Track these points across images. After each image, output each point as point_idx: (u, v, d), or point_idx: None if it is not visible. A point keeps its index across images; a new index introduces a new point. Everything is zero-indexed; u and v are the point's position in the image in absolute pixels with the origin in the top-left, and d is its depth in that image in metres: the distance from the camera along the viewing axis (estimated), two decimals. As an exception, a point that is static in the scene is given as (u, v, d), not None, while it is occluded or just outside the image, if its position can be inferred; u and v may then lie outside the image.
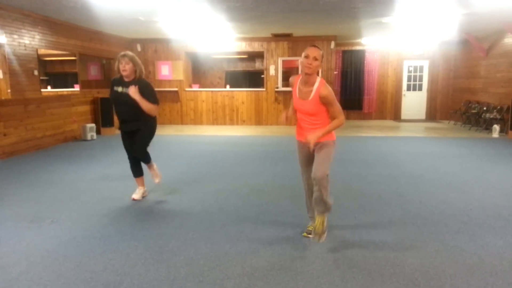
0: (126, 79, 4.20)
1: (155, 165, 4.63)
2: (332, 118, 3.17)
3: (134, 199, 4.50)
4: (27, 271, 2.86)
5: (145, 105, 4.11)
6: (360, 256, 3.09)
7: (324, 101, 3.09)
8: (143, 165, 4.55)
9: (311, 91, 3.12)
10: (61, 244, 3.33)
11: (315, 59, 3.03)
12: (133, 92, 4.05)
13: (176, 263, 2.98)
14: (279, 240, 3.38)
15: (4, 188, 5.07)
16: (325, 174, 3.13)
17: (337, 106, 3.14)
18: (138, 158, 4.45)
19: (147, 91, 4.17)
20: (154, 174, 4.64)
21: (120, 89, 4.18)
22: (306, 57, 3.04)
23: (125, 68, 4.11)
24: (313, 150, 3.23)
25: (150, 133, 4.40)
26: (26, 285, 2.66)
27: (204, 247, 3.27)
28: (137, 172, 4.55)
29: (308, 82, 3.14)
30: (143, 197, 4.59)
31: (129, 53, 4.19)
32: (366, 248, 3.23)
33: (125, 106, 4.18)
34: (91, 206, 4.32)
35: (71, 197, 4.68)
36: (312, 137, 3.07)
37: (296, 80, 3.27)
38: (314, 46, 3.10)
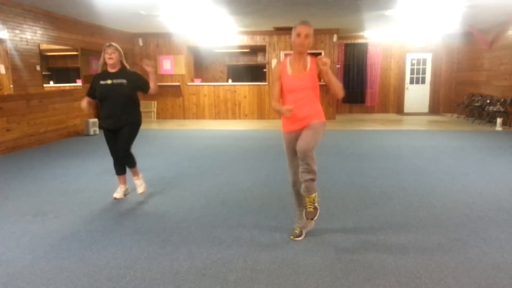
0: (112, 70, 4.07)
1: (141, 174, 4.49)
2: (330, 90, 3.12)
3: (115, 198, 4.35)
4: (30, 265, 2.88)
5: (155, 80, 4.19)
6: (361, 249, 3.09)
7: (324, 68, 2.92)
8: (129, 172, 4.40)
9: (306, 66, 3.04)
10: (64, 238, 3.35)
11: (307, 36, 2.92)
12: (147, 64, 4.10)
13: (179, 256, 3.00)
14: (281, 234, 3.38)
15: (7, 183, 5.10)
16: (311, 146, 2.92)
17: (334, 75, 3.07)
18: (121, 159, 4.28)
19: (139, 77, 4.21)
20: (138, 183, 4.42)
21: (109, 81, 4.04)
22: (298, 35, 2.92)
23: (111, 56, 3.99)
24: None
25: (135, 130, 4.29)
26: (29, 279, 2.68)
27: (207, 240, 3.28)
28: (121, 170, 4.38)
29: (300, 60, 3.04)
30: (125, 195, 4.45)
31: (114, 43, 4.11)
32: (368, 242, 3.23)
33: (118, 99, 4.05)
34: (94, 200, 4.34)
35: (74, 191, 4.70)
36: (326, 60, 2.91)
37: (283, 64, 3.10)
38: (304, 22, 2.95)
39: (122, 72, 4.11)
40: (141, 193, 4.41)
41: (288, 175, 3.31)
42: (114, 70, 4.09)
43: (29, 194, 4.64)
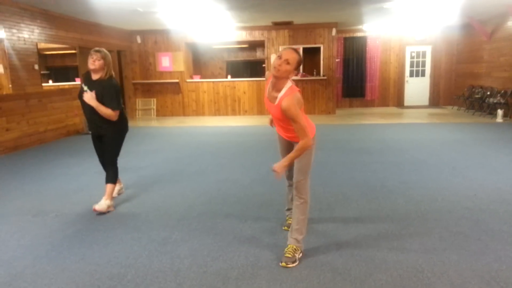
0: (93, 77, 3.86)
1: (117, 186, 4.29)
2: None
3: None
4: (32, 265, 2.87)
5: (102, 110, 3.76)
6: (363, 243, 3.09)
7: (285, 114, 2.62)
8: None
9: (277, 97, 2.71)
10: (66, 238, 3.34)
11: (287, 62, 2.59)
12: (88, 98, 3.74)
13: (180, 254, 2.99)
14: (282, 230, 3.38)
15: (7, 183, 5.09)
16: (300, 179, 2.83)
17: (301, 123, 2.58)
18: (108, 167, 4.06)
19: (109, 94, 3.80)
20: (108, 192, 3.98)
21: (86, 87, 3.83)
22: (279, 57, 2.62)
23: (94, 63, 3.76)
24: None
25: (117, 138, 4.03)
26: (31, 279, 2.68)
27: (207, 237, 3.28)
28: None
29: (275, 86, 2.72)
30: (119, 194, 4.40)
31: (104, 50, 3.87)
32: (369, 236, 3.23)
33: (91, 109, 3.84)
34: (95, 199, 4.32)
35: (75, 190, 4.70)
36: (277, 167, 2.63)
37: (269, 77, 2.83)
38: (292, 49, 2.67)
39: (100, 81, 3.85)
40: (94, 209, 3.88)
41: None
42: (95, 77, 3.85)
43: (30, 193, 4.63)
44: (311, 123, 2.93)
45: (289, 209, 3.39)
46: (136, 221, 3.68)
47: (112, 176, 4.04)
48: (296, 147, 2.66)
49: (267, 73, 3.00)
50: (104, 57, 3.83)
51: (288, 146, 3.04)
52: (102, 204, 3.91)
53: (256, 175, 5.16)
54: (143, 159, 6.22)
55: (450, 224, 3.43)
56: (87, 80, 3.91)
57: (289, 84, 2.71)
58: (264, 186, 4.69)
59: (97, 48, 3.88)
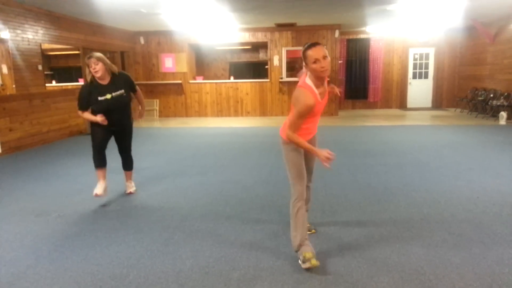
0: (104, 82, 3.89)
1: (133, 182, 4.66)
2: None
3: (97, 195, 4.05)
4: (34, 265, 2.89)
5: (143, 99, 4.41)
6: (365, 245, 3.08)
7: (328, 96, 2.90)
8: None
9: (325, 89, 2.77)
10: (68, 238, 3.35)
11: (325, 57, 2.55)
12: (140, 118, 4.45)
13: (182, 255, 3.00)
14: (284, 231, 3.37)
15: (10, 183, 5.11)
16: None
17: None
18: (128, 156, 4.44)
19: (130, 81, 4.15)
20: (130, 185, 4.59)
21: (108, 96, 3.89)
22: (317, 60, 2.53)
23: (96, 70, 3.79)
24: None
25: (132, 131, 4.40)
26: (33, 279, 2.69)
27: (209, 238, 3.28)
28: (102, 162, 4.14)
29: (323, 83, 2.74)
30: (104, 192, 4.17)
31: (95, 53, 3.86)
32: (371, 238, 3.22)
33: (121, 109, 4.01)
34: (97, 199, 4.34)
35: (77, 191, 4.71)
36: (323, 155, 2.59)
37: (311, 91, 2.64)
38: (316, 43, 2.59)
39: (115, 81, 3.96)
40: (129, 193, 4.52)
41: (295, 189, 2.84)
42: (106, 81, 3.91)
43: (32, 193, 4.65)
44: None
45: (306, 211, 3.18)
46: (139, 222, 3.68)
47: (132, 163, 4.52)
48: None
49: (311, 100, 2.61)
50: (99, 59, 3.84)
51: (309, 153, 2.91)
52: (132, 185, 4.56)
53: (259, 177, 5.16)
54: (146, 160, 6.23)
55: (452, 226, 3.42)
56: (101, 89, 3.89)
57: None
58: (267, 187, 4.69)
59: (88, 55, 3.87)
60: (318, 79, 2.65)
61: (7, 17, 7.04)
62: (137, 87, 4.26)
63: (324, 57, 2.55)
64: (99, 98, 3.89)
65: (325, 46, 2.61)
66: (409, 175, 5.09)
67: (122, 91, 3.98)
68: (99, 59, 3.82)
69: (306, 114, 2.63)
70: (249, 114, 12.22)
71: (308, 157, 2.95)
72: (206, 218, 3.74)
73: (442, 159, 5.93)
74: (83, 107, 3.98)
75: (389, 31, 12.66)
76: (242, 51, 13.62)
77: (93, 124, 4.05)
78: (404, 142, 7.33)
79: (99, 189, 4.09)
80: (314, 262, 2.66)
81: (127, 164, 4.48)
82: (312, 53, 2.55)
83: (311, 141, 2.88)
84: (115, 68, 4.04)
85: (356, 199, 4.19)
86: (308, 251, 2.72)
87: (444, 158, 5.96)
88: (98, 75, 3.83)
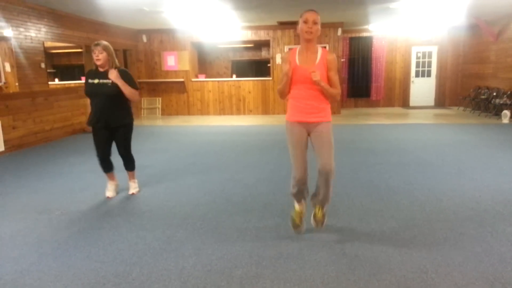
0: (101, 69, 4.00)
1: (136, 180, 4.58)
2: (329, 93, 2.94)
3: (109, 198, 4.31)
4: (38, 262, 2.90)
5: (128, 89, 3.95)
6: (367, 244, 3.08)
7: (330, 66, 2.91)
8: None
9: (316, 57, 2.93)
10: (71, 235, 3.37)
11: (315, 23, 2.84)
12: (114, 76, 3.88)
13: (184, 252, 3.01)
14: (286, 229, 3.38)
15: (13, 181, 5.13)
16: (333, 165, 2.96)
17: (337, 76, 2.98)
18: (127, 157, 4.33)
19: (127, 77, 4.02)
20: (133, 185, 4.52)
21: (96, 80, 3.97)
22: (305, 22, 2.84)
23: (98, 57, 3.91)
24: (309, 133, 3.03)
25: (130, 131, 4.25)
26: (37, 276, 2.70)
27: (212, 236, 3.29)
28: (108, 167, 4.32)
29: (309, 49, 2.94)
30: (116, 192, 4.45)
31: (103, 42, 3.99)
32: (374, 236, 3.22)
33: (104, 99, 3.97)
34: (100, 197, 4.36)
35: (80, 188, 4.73)
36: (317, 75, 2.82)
37: (292, 53, 3.00)
38: (311, 10, 2.89)
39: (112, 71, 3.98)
40: (132, 194, 4.45)
41: (292, 170, 3.17)
42: (103, 69, 4.00)
43: (35, 191, 4.67)
44: None
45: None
46: (141, 220, 3.70)
47: (133, 163, 4.44)
48: (334, 90, 2.92)
49: (284, 55, 3.07)
50: (105, 49, 3.95)
51: (306, 138, 3.06)
52: (136, 186, 4.50)
53: (261, 175, 5.16)
54: (148, 158, 6.24)
55: (454, 225, 3.42)
56: (96, 74, 4.01)
57: (319, 46, 2.99)
58: (269, 186, 4.70)
59: (96, 42, 3.98)
60: (305, 41, 2.93)
61: (10, 15, 7.05)
62: (137, 85, 4.15)
63: (314, 23, 2.84)
64: (89, 81, 4.04)
65: (318, 16, 2.88)
66: (412, 173, 5.09)
67: (109, 80, 3.93)
68: (105, 48, 3.94)
69: (285, 72, 2.90)
70: (251, 112, 12.22)
71: (314, 139, 3.04)
72: (208, 216, 3.75)
73: (444, 157, 5.92)
74: (87, 92, 4.12)
75: (391, 29, 12.63)
76: (245, 49, 13.60)
77: (92, 133, 4.20)
78: (407, 141, 7.32)
79: (110, 191, 4.38)
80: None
81: (127, 165, 4.44)
82: (305, 14, 2.87)
83: (315, 128, 2.99)
84: (117, 63, 4.10)
85: (358, 198, 4.19)
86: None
87: (447, 157, 5.95)
88: (99, 63, 3.96)
